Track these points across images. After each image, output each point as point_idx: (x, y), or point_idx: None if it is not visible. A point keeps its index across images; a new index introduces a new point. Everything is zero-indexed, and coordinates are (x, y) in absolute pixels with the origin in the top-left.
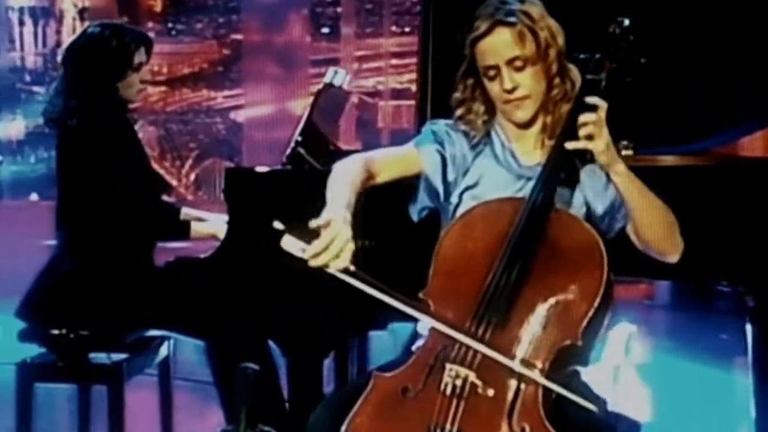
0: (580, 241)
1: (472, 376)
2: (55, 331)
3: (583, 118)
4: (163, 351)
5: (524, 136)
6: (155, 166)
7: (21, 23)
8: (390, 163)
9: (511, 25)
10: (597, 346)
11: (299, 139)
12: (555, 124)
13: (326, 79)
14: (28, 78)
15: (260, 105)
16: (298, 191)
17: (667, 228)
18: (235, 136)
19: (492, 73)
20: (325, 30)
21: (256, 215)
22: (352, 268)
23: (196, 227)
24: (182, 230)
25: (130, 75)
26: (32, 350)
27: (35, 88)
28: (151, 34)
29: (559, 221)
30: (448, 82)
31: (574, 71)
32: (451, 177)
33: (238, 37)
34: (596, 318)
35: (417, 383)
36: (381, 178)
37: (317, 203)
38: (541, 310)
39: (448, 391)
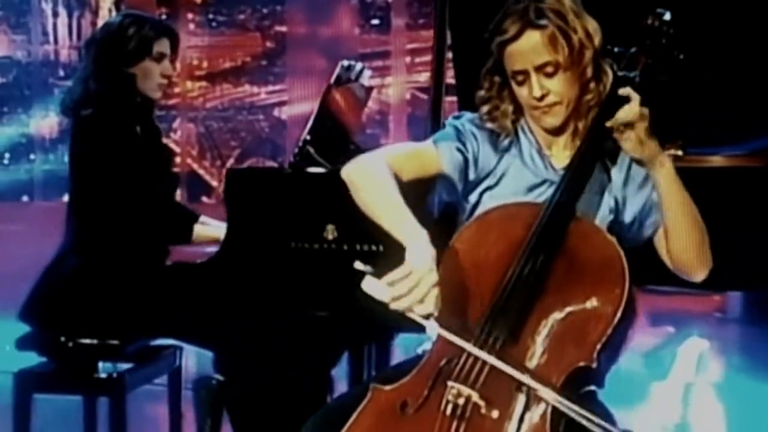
0: (601, 254)
1: (475, 396)
2: (56, 339)
3: (620, 112)
4: (174, 361)
5: (554, 138)
6: (194, 165)
7: (55, 14)
8: (409, 160)
9: (541, 27)
10: (665, 361)
11: (308, 137)
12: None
13: (337, 74)
14: (62, 73)
15: (305, 101)
16: (302, 192)
17: (699, 242)
18: (279, 134)
19: (520, 78)
20: (375, 21)
21: (257, 217)
22: (435, 313)
23: (198, 230)
24: (186, 234)
25: (148, 63)
26: (32, 359)
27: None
28: (191, 26)
29: (579, 231)
30: (472, 80)
31: (607, 69)
32: (472, 176)
33: (283, 29)
34: (614, 339)
35: (417, 398)
36: (401, 179)
37: (322, 204)
38: (554, 327)
39: (449, 410)
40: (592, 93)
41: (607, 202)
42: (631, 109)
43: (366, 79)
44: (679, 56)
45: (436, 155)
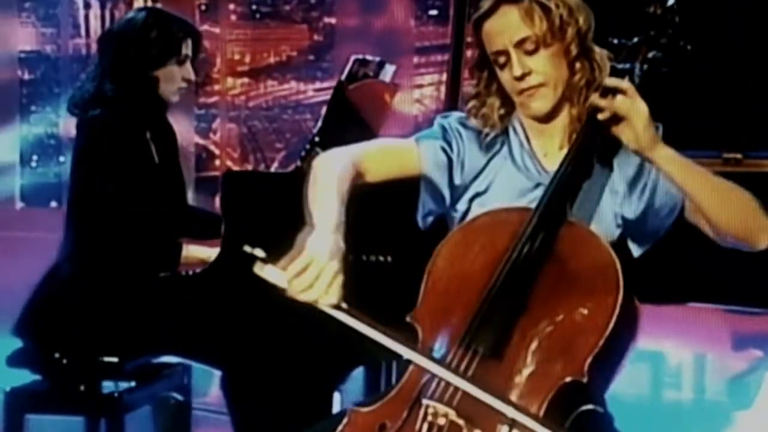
0: (592, 260)
1: (452, 415)
2: (50, 355)
3: (602, 101)
4: (181, 380)
5: (547, 132)
6: (235, 169)
7: (86, 6)
8: (383, 158)
9: (516, 1)
10: (751, 388)
11: (316, 139)
12: (583, 116)
13: (349, 69)
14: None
15: None
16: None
17: (745, 207)
18: None
19: (502, 59)
20: (433, 12)
21: (253, 223)
22: (343, 305)
23: (187, 251)
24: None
25: (172, 66)
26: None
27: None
28: (233, 18)
29: (570, 236)
30: None
31: (601, 53)
32: (458, 180)
33: (332, 20)
34: (608, 352)
35: (396, 420)
36: (371, 177)
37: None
38: (541, 340)
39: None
40: (580, 73)
41: (612, 206)
42: (624, 101)
43: (389, 76)
44: (686, 47)
45: (417, 154)
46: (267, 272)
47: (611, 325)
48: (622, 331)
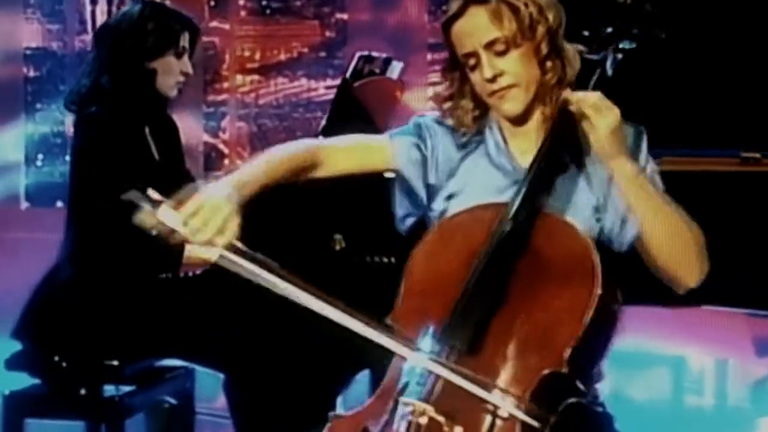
0: (567, 249)
1: (430, 411)
2: (49, 358)
3: (572, 96)
4: (184, 383)
5: (521, 132)
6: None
7: (93, 2)
8: (346, 151)
9: (485, 2)
10: None
11: (321, 137)
12: (555, 115)
13: (354, 66)
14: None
15: None
16: (305, 197)
17: (682, 246)
18: None
19: (472, 61)
20: (447, 8)
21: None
22: (240, 245)
23: (189, 252)
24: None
25: (170, 58)
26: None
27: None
28: (243, 13)
29: (545, 227)
30: None
31: (572, 50)
32: (432, 179)
33: (344, 16)
34: (588, 342)
35: (378, 422)
36: (328, 169)
37: (327, 211)
38: (518, 333)
39: (402, 430)
40: (551, 72)
41: (589, 201)
42: (585, 98)
43: (396, 72)
44: (660, 35)
45: (389, 149)
46: (163, 214)
47: (589, 314)
48: (601, 321)
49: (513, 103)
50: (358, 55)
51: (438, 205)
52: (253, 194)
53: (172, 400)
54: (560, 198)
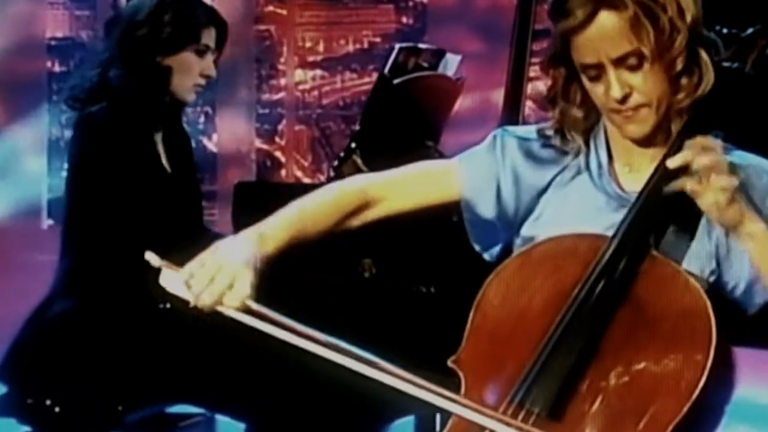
0: (680, 306)
1: None
2: (40, 402)
3: (679, 158)
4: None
5: (636, 149)
6: (306, 180)
7: None
8: (403, 184)
9: (619, 8)
10: None
11: (353, 145)
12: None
13: (393, 61)
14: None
15: None
16: None
17: None
18: None
19: (593, 73)
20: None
21: None
22: (252, 305)
23: None
24: None
25: (188, 55)
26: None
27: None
28: None
29: (654, 274)
30: None
31: (705, 58)
32: (511, 206)
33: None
34: (691, 420)
35: None
36: (381, 210)
37: (355, 232)
38: (610, 400)
39: None
40: (685, 90)
41: (706, 247)
42: (695, 152)
43: (452, 68)
44: None
45: (457, 174)
46: (165, 279)
47: (699, 386)
48: (711, 394)
49: (641, 126)
50: (398, 46)
51: (526, 230)
52: (279, 250)
53: None
54: (672, 241)
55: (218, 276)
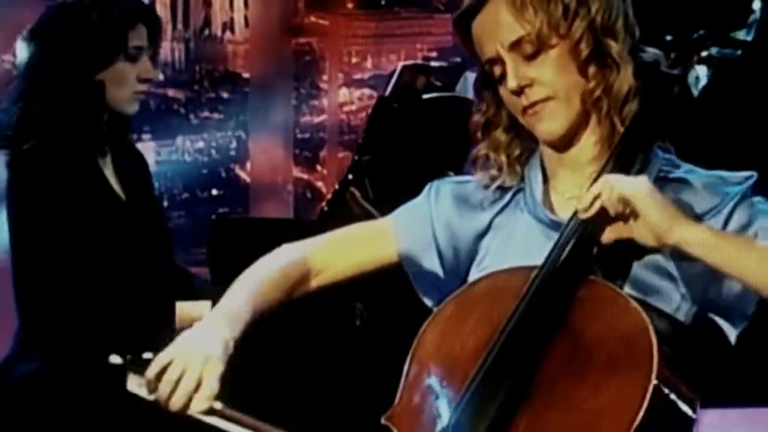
0: (618, 329)
1: None
2: None
3: (594, 189)
4: None
5: (568, 162)
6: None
7: None
8: (341, 247)
9: None
10: None
11: (350, 176)
12: (610, 136)
13: (396, 81)
14: (160, 76)
15: None
16: None
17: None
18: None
19: (498, 71)
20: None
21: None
22: (218, 405)
23: (182, 310)
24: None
25: (120, 65)
26: None
27: (171, 92)
28: (349, 5)
29: (590, 298)
30: None
31: (616, 48)
32: (449, 255)
33: None
34: None
35: None
36: (323, 278)
37: None
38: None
39: None
40: (595, 79)
41: (664, 265)
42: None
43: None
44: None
45: (391, 232)
46: (130, 383)
47: (642, 410)
48: (656, 418)
49: (551, 122)
50: (401, 65)
51: (472, 277)
52: (247, 328)
53: None
54: (639, 274)
55: (184, 379)
